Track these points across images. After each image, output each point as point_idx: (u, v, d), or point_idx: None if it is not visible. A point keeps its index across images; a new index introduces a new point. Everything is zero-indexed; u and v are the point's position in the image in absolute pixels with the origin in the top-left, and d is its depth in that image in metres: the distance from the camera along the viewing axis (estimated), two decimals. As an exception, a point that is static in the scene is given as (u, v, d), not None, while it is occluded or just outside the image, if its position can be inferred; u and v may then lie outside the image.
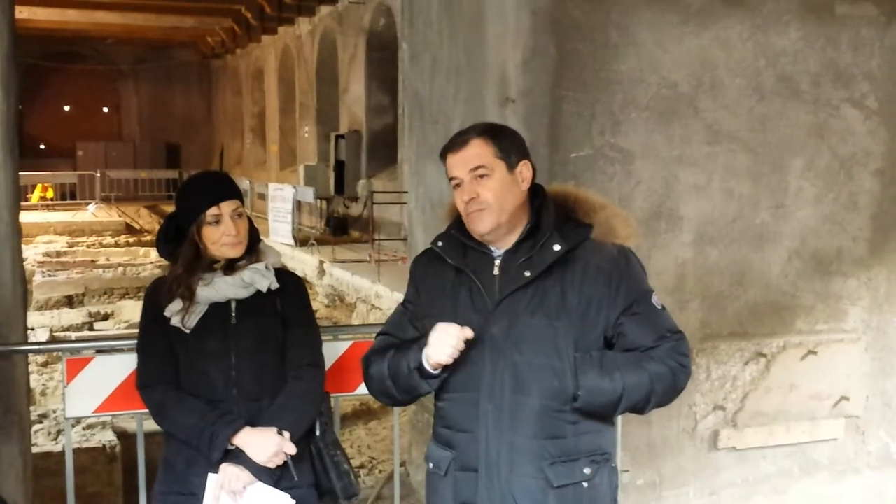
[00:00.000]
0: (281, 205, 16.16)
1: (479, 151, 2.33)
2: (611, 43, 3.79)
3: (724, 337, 4.13)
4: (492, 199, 2.30)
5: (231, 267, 2.68)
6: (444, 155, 2.40)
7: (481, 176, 2.32)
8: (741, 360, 4.16)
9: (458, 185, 2.35)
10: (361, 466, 6.77)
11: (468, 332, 2.25)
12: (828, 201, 4.20)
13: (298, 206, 16.50)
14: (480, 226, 2.32)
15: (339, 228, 17.33)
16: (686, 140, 3.95)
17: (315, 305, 10.42)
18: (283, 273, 2.78)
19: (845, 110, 4.17)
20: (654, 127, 3.89)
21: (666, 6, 3.84)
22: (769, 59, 4.01)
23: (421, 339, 2.33)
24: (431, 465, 2.46)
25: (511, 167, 2.35)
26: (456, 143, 2.38)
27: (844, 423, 4.38)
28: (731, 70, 3.97)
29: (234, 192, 2.69)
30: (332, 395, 3.08)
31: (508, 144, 2.37)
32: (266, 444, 2.55)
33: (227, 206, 2.63)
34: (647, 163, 3.90)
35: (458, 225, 2.43)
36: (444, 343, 2.25)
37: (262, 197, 18.73)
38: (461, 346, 2.25)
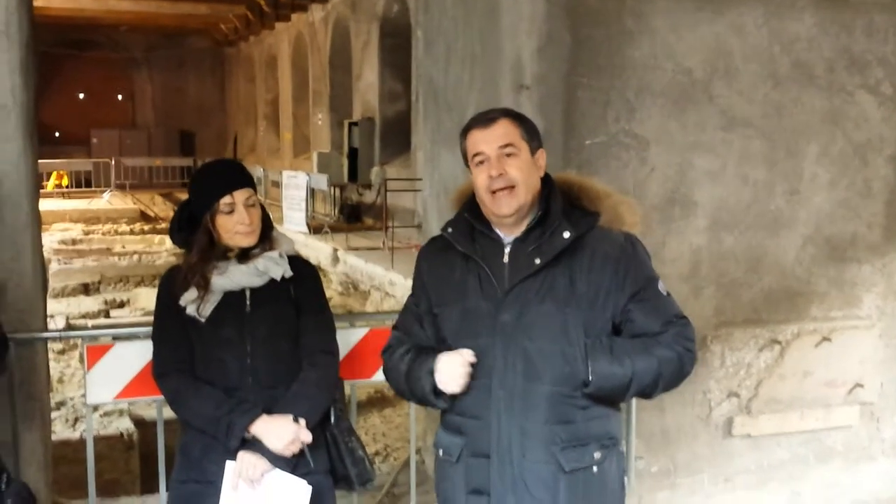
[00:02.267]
0: (295, 192, 16.16)
1: (507, 130, 2.35)
2: (625, 29, 3.78)
3: (739, 324, 4.13)
4: (520, 178, 2.31)
5: (245, 255, 2.69)
6: (466, 132, 2.40)
7: (509, 155, 2.33)
8: (756, 346, 4.16)
9: (481, 162, 2.35)
10: (376, 454, 6.80)
11: (470, 357, 2.30)
12: (842, 187, 4.19)
13: (312, 193, 16.50)
14: (506, 207, 2.32)
15: (352, 216, 17.31)
16: (701, 126, 3.94)
17: (329, 293, 10.41)
18: (296, 261, 2.79)
19: (860, 96, 4.15)
20: (668, 113, 3.88)
21: (680, -8, 3.83)
22: (784, 46, 4.00)
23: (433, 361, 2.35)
24: (441, 451, 2.48)
25: (533, 152, 2.38)
26: (482, 119, 2.38)
27: (859, 410, 4.38)
28: (746, 56, 3.95)
29: (248, 181, 2.70)
30: (347, 382, 3.10)
31: (531, 129, 2.40)
32: (282, 432, 2.56)
33: (240, 195, 2.64)
34: (661, 149, 3.89)
35: (469, 208, 2.44)
36: (452, 375, 2.31)
37: (276, 184, 18.74)
38: (468, 369, 2.30)
